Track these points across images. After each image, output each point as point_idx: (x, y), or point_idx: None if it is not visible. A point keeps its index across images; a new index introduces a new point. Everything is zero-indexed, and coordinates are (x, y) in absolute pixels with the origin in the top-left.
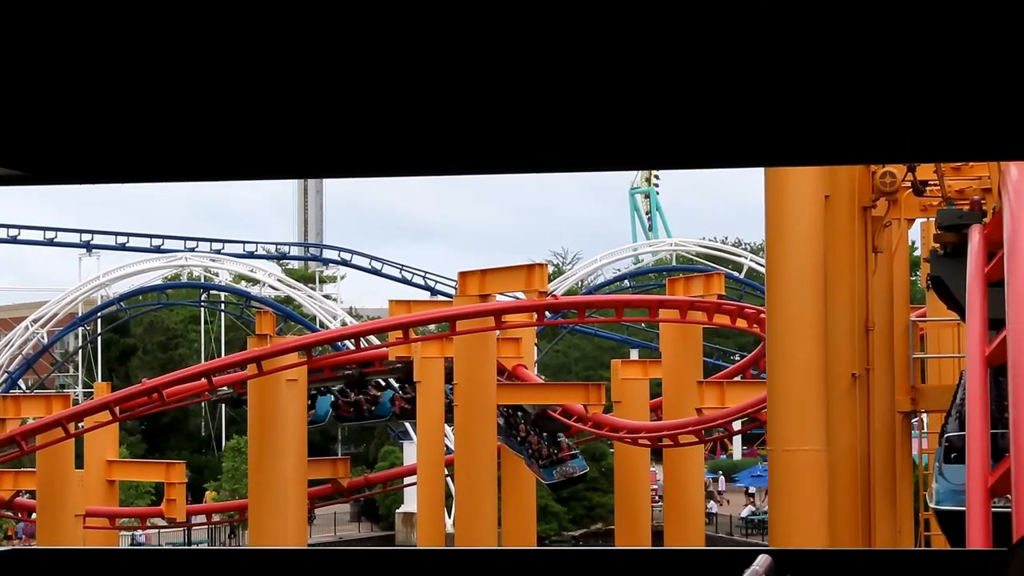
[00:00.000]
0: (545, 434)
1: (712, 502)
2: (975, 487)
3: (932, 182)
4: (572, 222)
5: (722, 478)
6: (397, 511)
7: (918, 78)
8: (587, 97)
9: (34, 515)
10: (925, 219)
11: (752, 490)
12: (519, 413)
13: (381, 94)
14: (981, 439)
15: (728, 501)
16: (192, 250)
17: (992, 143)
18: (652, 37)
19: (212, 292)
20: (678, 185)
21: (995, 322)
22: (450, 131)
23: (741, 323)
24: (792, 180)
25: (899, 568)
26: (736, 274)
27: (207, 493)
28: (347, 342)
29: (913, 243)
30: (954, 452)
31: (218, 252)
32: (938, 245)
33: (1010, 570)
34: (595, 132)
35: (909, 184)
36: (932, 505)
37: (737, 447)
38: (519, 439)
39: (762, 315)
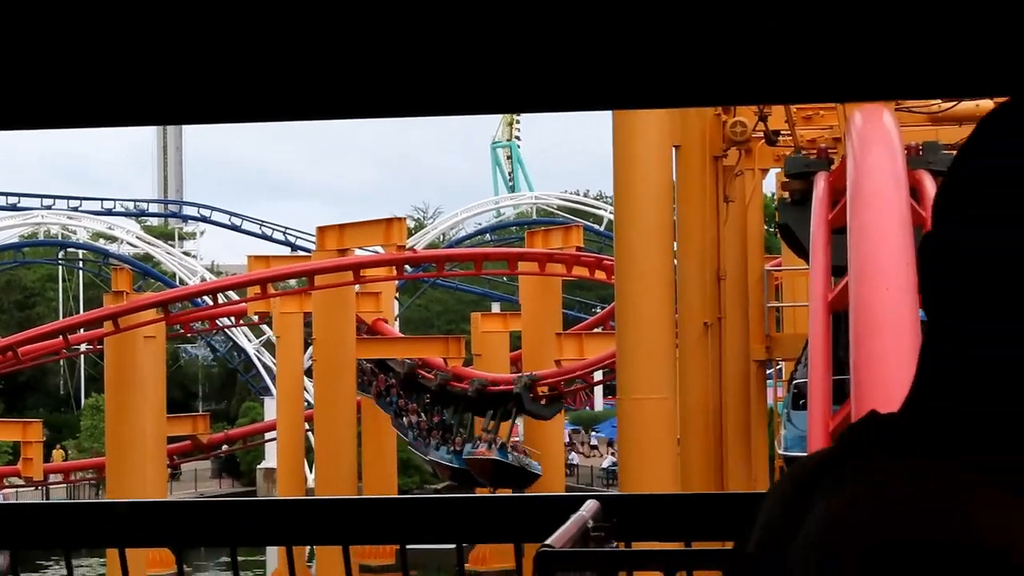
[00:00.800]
0: (463, 428)
1: (574, 453)
2: (816, 432)
3: (785, 132)
4: (435, 177)
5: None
6: (258, 467)
7: (759, 14)
8: (438, 38)
9: None
10: (779, 169)
11: (594, 441)
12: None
13: (241, 32)
14: (823, 384)
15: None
16: (49, 208)
17: (837, 83)
18: None
19: (70, 250)
20: (540, 139)
21: (840, 269)
22: (311, 72)
23: (600, 275)
24: (640, 129)
25: (723, 510)
26: (596, 227)
27: (55, 452)
28: (205, 298)
29: (774, 194)
30: (802, 399)
31: (75, 210)
32: (786, 193)
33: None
34: (445, 74)
35: (761, 134)
36: (781, 452)
37: (599, 398)
38: (433, 439)
39: None
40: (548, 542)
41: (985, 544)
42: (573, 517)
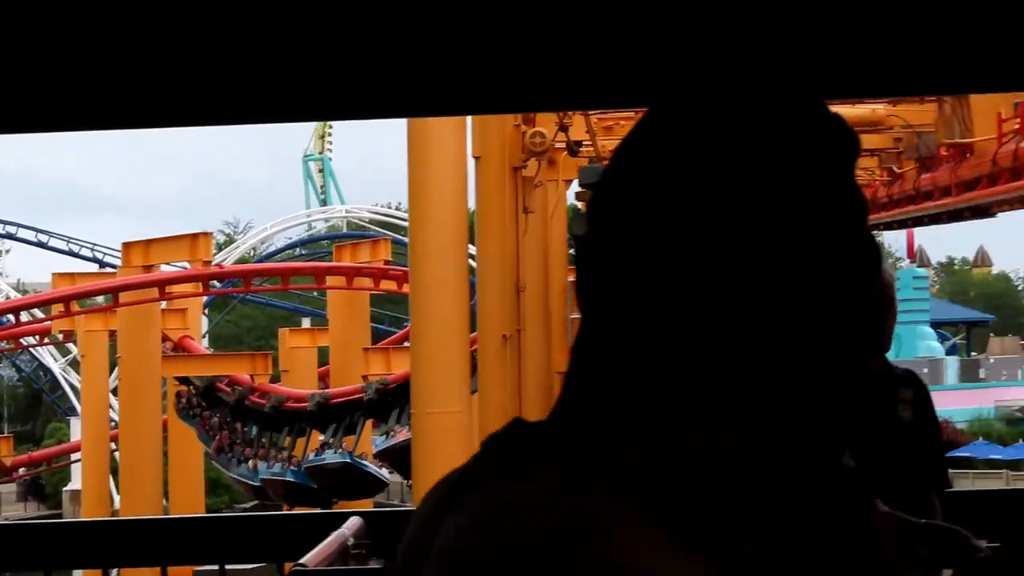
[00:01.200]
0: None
1: (384, 468)
2: None
3: (587, 142)
4: (248, 191)
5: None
6: (64, 489)
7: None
8: (246, 46)
9: None
10: None
11: None
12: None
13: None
14: None
15: None
16: None
17: (639, 90)
18: None
19: None
20: (353, 151)
21: None
22: (142, 76)
23: (408, 288)
24: (435, 138)
25: None
26: (407, 240)
27: None
28: (9, 316)
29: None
30: None
31: None
32: (581, 203)
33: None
34: (253, 80)
35: (563, 144)
36: None
37: None
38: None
39: None
40: (302, 561)
41: (608, 564)
42: (333, 534)
